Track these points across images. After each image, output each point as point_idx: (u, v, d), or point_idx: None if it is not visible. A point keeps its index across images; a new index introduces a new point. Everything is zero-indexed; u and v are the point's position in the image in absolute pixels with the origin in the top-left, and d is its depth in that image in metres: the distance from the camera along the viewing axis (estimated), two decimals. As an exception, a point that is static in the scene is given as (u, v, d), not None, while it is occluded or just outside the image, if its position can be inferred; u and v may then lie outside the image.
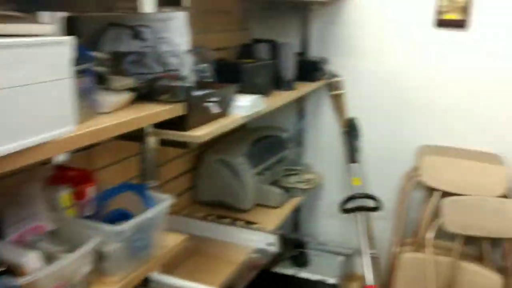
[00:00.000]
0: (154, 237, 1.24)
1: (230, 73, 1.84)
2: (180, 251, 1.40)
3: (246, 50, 2.28)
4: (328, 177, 2.71)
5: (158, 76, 1.28)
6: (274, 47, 2.21)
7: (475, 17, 2.32)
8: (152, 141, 1.38)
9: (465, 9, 2.32)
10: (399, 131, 2.55)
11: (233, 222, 1.88)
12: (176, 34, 1.25)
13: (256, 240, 1.77)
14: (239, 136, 2.39)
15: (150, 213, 1.19)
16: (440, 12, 2.36)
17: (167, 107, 1.28)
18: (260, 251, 1.74)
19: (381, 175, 2.61)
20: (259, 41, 2.46)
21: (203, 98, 1.46)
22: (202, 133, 1.39)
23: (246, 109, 1.62)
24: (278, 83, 2.18)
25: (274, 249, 1.74)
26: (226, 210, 2.09)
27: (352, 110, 2.61)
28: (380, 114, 2.57)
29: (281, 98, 2.06)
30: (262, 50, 2.17)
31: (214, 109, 1.48)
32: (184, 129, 1.39)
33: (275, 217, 2.07)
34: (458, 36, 2.36)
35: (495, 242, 2.31)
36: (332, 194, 2.71)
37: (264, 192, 2.17)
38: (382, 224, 2.62)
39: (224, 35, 2.38)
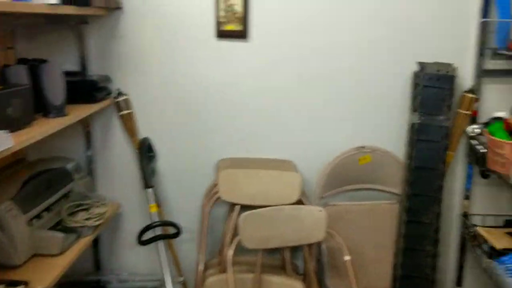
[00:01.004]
0: None
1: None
2: None
3: (6, 74, 1.93)
4: (126, 206, 2.48)
5: None
6: (36, 68, 1.90)
7: (254, 28, 2.32)
8: None
9: (243, 20, 2.30)
10: (196, 148, 2.44)
11: (-7, 287, 1.53)
12: None
13: (22, 305, 1.46)
14: (6, 175, 2.01)
15: None
16: (220, 23, 2.31)
17: None
18: (27, 318, 1.44)
19: (183, 196, 2.48)
20: (25, 62, 2.12)
21: None
22: None
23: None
24: (45, 109, 1.89)
25: (45, 312, 1.45)
26: (-8, 269, 1.72)
27: (145, 129, 2.42)
28: (174, 131, 2.43)
29: (48, 127, 1.77)
30: (20, 73, 1.85)
31: None
32: None
33: (56, 267, 1.77)
34: (240, 47, 2.34)
35: (296, 249, 2.35)
36: (133, 223, 2.47)
37: (41, 239, 1.85)
38: (189, 247, 2.49)
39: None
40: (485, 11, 2.18)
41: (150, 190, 2.23)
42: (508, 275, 1.88)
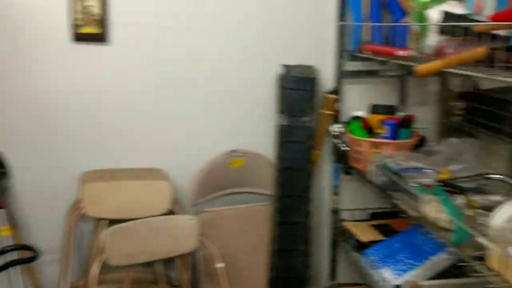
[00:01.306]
0: None
1: None
2: None
3: None
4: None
5: None
6: None
7: (115, 31, 2.19)
8: None
9: (101, 22, 2.16)
10: (57, 161, 2.25)
11: None
12: None
13: None
14: None
15: None
16: (76, 26, 2.15)
17: None
18: None
19: (45, 214, 2.26)
20: None
21: None
22: None
23: None
24: None
25: None
26: None
27: (-4, 144, 2.18)
28: (31, 144, 2.22)
29: None
30: None
31: None
32: None
33: None
34: (100, 51, 2.20)
35: (170, 260, 2.26)
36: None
37: None
38: (56, 269, 2.28)
39: None
40: (342, 15, 2.27)
41: (1, 210, 2.00)
42: (372, 268, 1.96)
